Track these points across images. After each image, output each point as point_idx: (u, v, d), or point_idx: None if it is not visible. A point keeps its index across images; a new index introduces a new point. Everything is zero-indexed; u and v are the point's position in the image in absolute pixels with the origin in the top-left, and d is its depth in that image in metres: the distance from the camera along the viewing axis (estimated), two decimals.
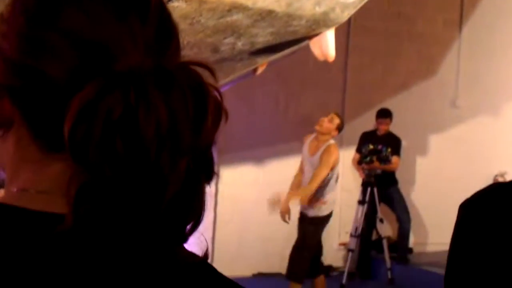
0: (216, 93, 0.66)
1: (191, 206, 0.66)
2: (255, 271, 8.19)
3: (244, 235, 8.23)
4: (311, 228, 6.65)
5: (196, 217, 0.67)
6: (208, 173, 0.68)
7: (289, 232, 8.43)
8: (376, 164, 7.97)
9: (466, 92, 9.52)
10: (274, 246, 8.29)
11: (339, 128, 6.78)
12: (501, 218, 0.80)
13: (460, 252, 0.84)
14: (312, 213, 6.62)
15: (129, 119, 0.60)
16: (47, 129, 0.65)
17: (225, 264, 7.92)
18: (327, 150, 6.50)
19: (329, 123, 6.67)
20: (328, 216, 6.70)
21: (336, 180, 6.76)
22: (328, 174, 6.50)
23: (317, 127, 6.68)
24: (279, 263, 8.30)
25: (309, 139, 6.83)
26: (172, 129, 0.62)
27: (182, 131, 0.62)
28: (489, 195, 0.85)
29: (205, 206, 0.68)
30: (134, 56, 0.65)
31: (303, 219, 6.76)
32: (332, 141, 6.63)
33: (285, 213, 6.59)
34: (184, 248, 0.69)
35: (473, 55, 9.61)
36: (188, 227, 0.67)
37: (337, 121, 6.73)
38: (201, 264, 0.71)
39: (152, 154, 0.61)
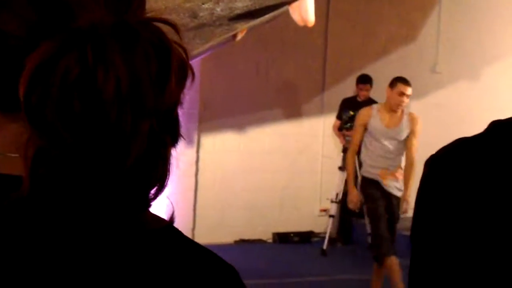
0: (181, 52, 0.64)
1: (155, 170, 0.63)
2: (237, 238, 8.23)
3: (226, 202, 8.24)
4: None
5: (160, 181, 0.64)
6: (174, 136, 0.66)
7: (271, 199, 8.49)
8: None
9: (446, 58, 9.53)
10: (256, 213, 8.33)
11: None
12: (465, 173, 0.80)
13: (424, 211, 0.83)
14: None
15: (87, 80, 0.57)
16: (3, 89, 0.62)
17: (207, 231, 7.97)
18: (414, 118, 5.82)
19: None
20: None
21: None
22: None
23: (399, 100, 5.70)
24: (261, 230, 8.36)
25: (374, 110, 5.81)
26: (133, 89, 0.59)
27: (145, 91, 0.60)
28: (453, 151, 0.84)
29: (171, 171, 0.65)
30: (94, 12, 0.62)
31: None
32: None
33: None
34: (148, 213, 0.67)
35: (453, 20, 9.60)
36: (153, 192, 0.65)
37: None
38: (166, 229, 0.69)
39: (113, 116, 0.58)
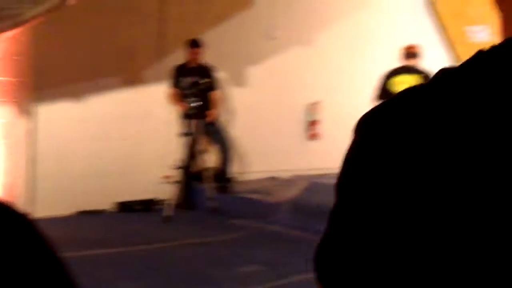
0: None
1: None
2: (80, 209, 8.06)
3: (67, 172, 8.02)
4: None
5: None
6: None
7: (112, 168, 8.37)
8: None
9: (281, 23, 9.74)
10: (98, 182, 8.18)
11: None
12: (402, 128, 0.70)
13: (356, 173, 0.76)
14: None
15: None
16: None
17: (49, 204, 7.74)
18: None
19: None
20: None
21: None
22: None
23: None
24: (102, 200, 8.23)
25: None
26: None
27: None
28: (383, 111, 0.77)
29: None
30: None
31: None
32: None
33: None
34: None
35: None
36: None
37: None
38: None
39: None
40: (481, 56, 0.70)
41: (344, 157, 0.77)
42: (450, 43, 11.62)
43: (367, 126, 0.75)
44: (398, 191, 0.69)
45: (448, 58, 11.67)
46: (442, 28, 11.61)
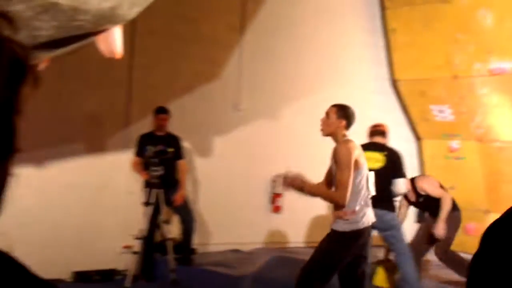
0: (14, 48, 0.56)
1: None
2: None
3: (22, 240, 7.78)
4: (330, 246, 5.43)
5: None
6: (4, 146, 0.57)
7: (71, 236, 8.16)
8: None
9: (248, 96, 9.83)
10: (55, 251, 7.95)
11: (342, 115, 5.48)
12: None
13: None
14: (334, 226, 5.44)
15: None
16: None
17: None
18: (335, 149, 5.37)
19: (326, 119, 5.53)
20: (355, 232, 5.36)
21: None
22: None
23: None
24: (60, 269, 7.99)
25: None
26: None
27: None
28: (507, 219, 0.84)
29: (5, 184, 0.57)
30: None
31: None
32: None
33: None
34: None
35: (255, 60, 9.95)
36: None
37: (333, 110, 5.52)
38: None
39: None
40: None
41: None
42: (414, 121, 11.81)
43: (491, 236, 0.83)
44: None
45: (412, 136, 11.86)
46: (406, 107, 11.83)
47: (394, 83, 11.76)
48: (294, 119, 10.25)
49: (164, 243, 8.04)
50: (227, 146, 9.62)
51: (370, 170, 5.95)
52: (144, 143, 8.16)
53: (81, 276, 8.07)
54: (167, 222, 8.17)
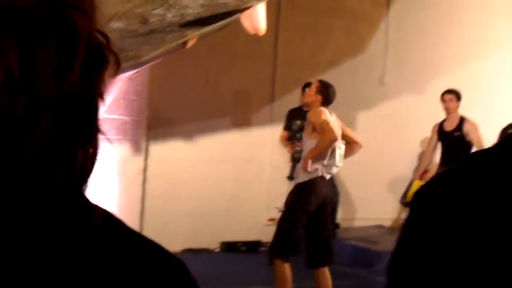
0: (97, 37, 0.60)
1: (61, 163, 0.59)
2: (185, 247, 8.16)
3: (173, 210, 8.17)
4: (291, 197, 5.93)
5: (79, 174, 0.61)
6: (88, 129, 0.62)
7: (219, 208, 8.45)
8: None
9: (393, 70, 9.66)
10: (203, 222, 8.28)
11: (321, 92, 5.96)
12: (459, 199, 0.74)
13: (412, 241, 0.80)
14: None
15: None
16: None
17: (154, 239, 7.88)
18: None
19: (308, 90, 6.09)
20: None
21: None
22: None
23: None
24: (208, 239, 8.31)
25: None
26: (27, 77, 0.56)
27: (42, 80, 0.56)
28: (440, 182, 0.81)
29: (91, 166, 0.62)
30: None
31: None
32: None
33: None
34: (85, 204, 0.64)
35: (401, 33, 9.75)
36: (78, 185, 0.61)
37: (315, 85, 6.02)
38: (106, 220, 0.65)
39: (3, 106, 0.55)
40: None
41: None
42: None
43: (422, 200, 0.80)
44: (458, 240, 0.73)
45: None
46: None
47: None
48: (440, 93, 9.94)
49: None
50: (372, 120, 9.53)
51: None
52: (292, 117, 8.24)
53: (228, 247, 8.35)
54: None
